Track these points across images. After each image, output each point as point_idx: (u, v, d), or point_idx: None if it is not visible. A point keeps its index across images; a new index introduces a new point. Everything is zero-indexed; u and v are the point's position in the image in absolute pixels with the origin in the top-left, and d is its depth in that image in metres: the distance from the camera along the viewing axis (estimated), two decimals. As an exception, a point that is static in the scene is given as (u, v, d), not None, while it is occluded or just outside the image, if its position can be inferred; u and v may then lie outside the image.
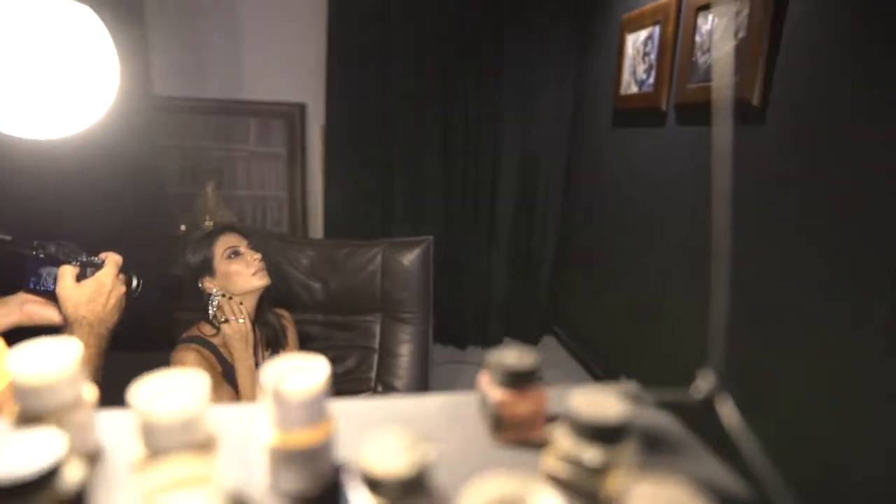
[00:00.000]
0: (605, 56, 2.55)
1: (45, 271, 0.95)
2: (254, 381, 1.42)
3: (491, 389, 0.39)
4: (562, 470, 0.33)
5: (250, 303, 1.50)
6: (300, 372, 0.33)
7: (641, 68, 2.28)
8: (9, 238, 0.82)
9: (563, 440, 0.33)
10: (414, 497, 0.26)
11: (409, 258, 1.91)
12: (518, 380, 0.38)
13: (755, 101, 1.61)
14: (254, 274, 1.47)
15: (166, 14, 2.60)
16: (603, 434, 0.31)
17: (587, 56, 2.72)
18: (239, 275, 1.45)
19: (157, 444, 0.30)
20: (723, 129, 0.33)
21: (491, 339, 2.86)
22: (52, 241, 0.97)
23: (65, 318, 0.90)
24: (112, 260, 0.97)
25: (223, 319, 1.42)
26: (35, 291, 0.95)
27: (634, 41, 2.33)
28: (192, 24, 2.66)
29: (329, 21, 2.56)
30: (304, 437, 0.32)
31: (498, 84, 2.64)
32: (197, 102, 2.75)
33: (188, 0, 2.64)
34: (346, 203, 2.73)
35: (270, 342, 1.59)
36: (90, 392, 0.36)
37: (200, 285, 1.47)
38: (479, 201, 2.73)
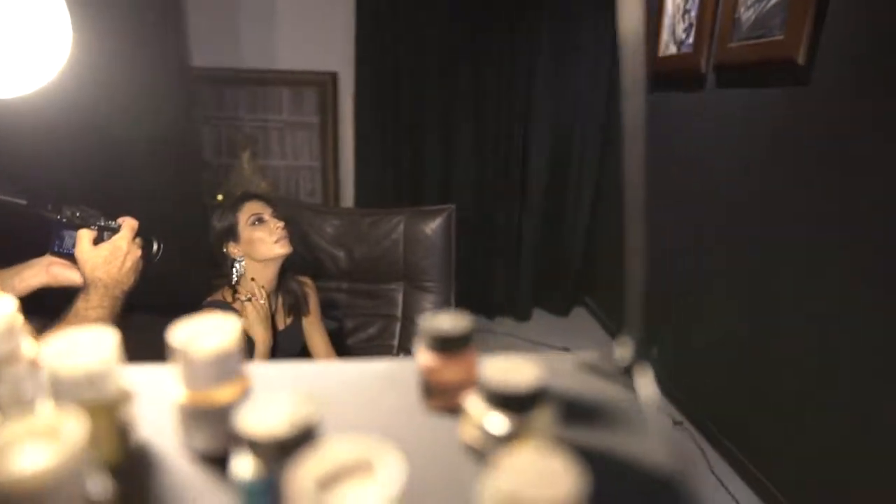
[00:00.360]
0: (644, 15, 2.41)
1: (67, 235, 0.99)
2: (266, 353, 1.46)
3: (420, 355, 0.38)
4: (474, 438, 0.31)
5: (272, 270, 1.53)
6: (214, 332, 0.33)
7: (681, 27, 2.14)
8: (24, 202, 0.85)
9: (474, 408, 0.31)
10: (293, 458, 0.25)
11: (432, 227, 1.89)
12: (447, 345, 0.36)
13: (800, 59, 1.49)
14: (276, 241, 1.49)
15: (199, -14, 2.62)
16: (510, 402, 0.30)
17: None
18: (261, 241, 1.48)
19: (65, 397, 0.30)
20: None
21: (520, 310, 2.84)
22: (74, 205, 1.00)
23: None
24: (128, 224, 1.00)
25: (245, 298, 1.46)
26: (59, 254, 0.99)
27: (675, -2, 2.18)
28: (223, -4, 2.68)
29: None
30: (210, 396, 0.32)
31: (532, 49, 2.54)
32: (232, 73, 2.79)
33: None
34: (377, 171, 2.74)
35: (292, 309, 1.63)
36: (30, 348, 0.37)
37: (225, 250, 1.51)
38: (511, 168, 2.67)
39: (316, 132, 2.93)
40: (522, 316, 2.85)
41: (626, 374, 0.31)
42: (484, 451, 0.31)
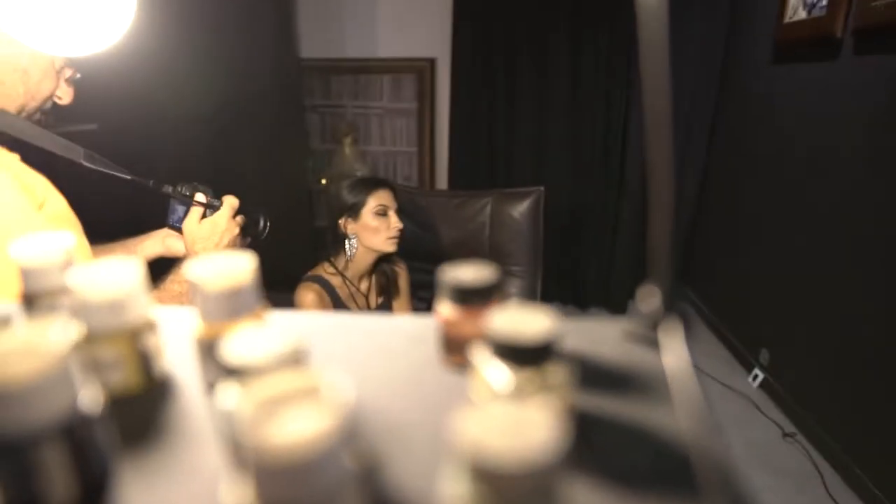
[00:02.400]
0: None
1: (180, 209, 1.08)
2: None
3: (440, 307, 0.35)
4: (480, 394, 0.29)
5: (372, 256, 1.58)
6: (230, 268, 0.33)
7: (815, -13, 1.87)
8: (128, 176, 0.94)
9: (481, 361, 0.29)
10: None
11: (519, 210, 1.85)
12: (467, 297, 0.34)
13: (838, 32, 1.23)
14: (388, 238, 1.53)
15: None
16: (516, 354, 0.26)
17: (745, -21, 2.32)
18: (376, 232, 1.52)
19: (90, 322, 0.32)
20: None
21: (615, 301, 2.70)
22: (183, 182, 1.09)
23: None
24: (228, 202, 1.06)
25: (350, 236, 1.53)
26: (172, 227, 1.09)
27: (808, -45, 1.92)
28: (330, -13, 2.80)
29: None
30: (224, 329, 0.32)
31: (632, 26, 2.38)
32: (337, 63, 2.92)
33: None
34: (472, 156, 2.73)
35: (383, 290, 1.67)
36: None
37: (341, 222, 1.56)
38: (609, 150, 2.54)
39: (414, 118, 2.98)
40: (618, 308, 2.70)
41: (652, 329, 0.27)
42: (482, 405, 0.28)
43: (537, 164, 2.64)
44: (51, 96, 0.81)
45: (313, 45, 2.83)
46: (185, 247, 1.03)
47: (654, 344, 0.31)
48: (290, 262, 1.76)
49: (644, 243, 2.26)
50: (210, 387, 0.34)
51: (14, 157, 0.72)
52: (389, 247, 1.53)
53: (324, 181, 3.07)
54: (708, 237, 2.58)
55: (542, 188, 1.83)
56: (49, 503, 0.24)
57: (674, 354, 0.26)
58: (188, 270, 0.33)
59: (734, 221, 2.40)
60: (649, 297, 0.29)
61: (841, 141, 1.72)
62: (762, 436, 1.93)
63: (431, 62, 2.83)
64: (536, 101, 2.57)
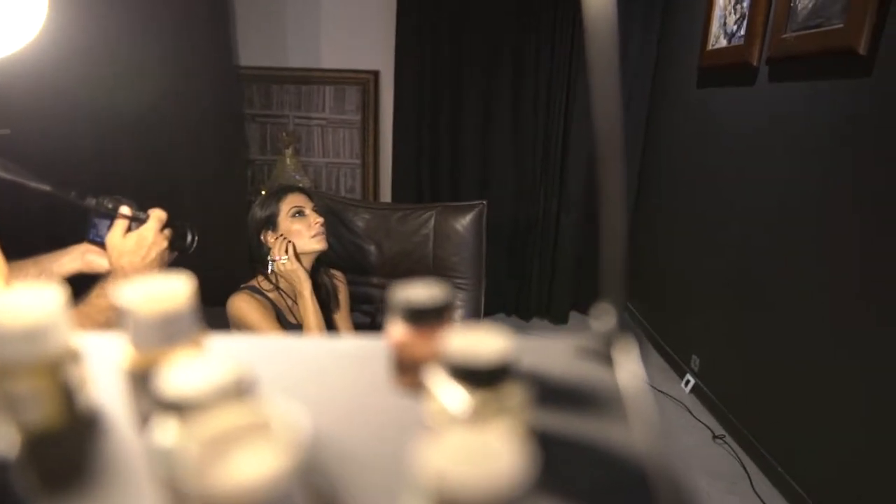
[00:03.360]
0: (692, 8, 2.30)
1: (101, 223, 1.01)
2: (319, 324, 1.46)
3: (391, 328, 0.34)
4: (435, 417, 0.28)
5: (307, 263, 1.54)
6: (165, 292, 0.31)
7: (732, 19, 2.02)
8: (47, 188, 0.87)
9: (435, 383, 0.28)
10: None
11: (462, 223, 1.86)
12: (419, 317, 0.33)
13: (862, 49, 1.37)
14: (313, 236, 1.50)
15: (247, -12, 2.69)
16: (472, 376, 0.26)
17: (672, 10, 2.47)
18: (299, 234, 1.49)
19: (5, 352, 0.29)
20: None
21: (557, 312, 2.77)
22: (105, 195, 1.02)
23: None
24: (155, 215, 1.00)
25: (271, 259, 1.47)
26: (93, 241, 1.02)
27: (727, -12, 2.07)
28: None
29: (400, -14, 2.53)
30: (159, 357, 0.30)
31: (573, 42, 2.48)
32: (277, 72, 2.85)
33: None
34: (415, 169, 2.73)
35: (323, 303, 1.63)
36: None
37: (262, 238, 1.52)
38: (550, 165, 2.61)
39: (357, 130, 2.96)
40: (559, 318, 2.77)
41: (607, 347, 0.27)
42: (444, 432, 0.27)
43: (481, 178, 2.68)
44: None
45: (253, 52, 2.75)
46: (110, 262, 0.97)
47: (606, 360, 0.31)
48: (226, 275, 1.69)
49: (583, 257, 2.33)
50: (142, 422, 0.31)
51: None
52: (318, 244, 1.50)
53: (263, 192, 2.98)
54: (641, 250, 2.70)
55: (484, 202, 1.86)
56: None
57: (628, 372, 0.26)
58: (116, 292, 0.30)
59: (665, 234, 2.53)
60: (604, 316, 0.29)
61: (762, 158, 1.85)
62: (694, 439, 2.03)
63: (375, 74, 2.82)
64: (479, 115, 2.61)
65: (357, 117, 2.94)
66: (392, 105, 2.74)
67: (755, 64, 1.87)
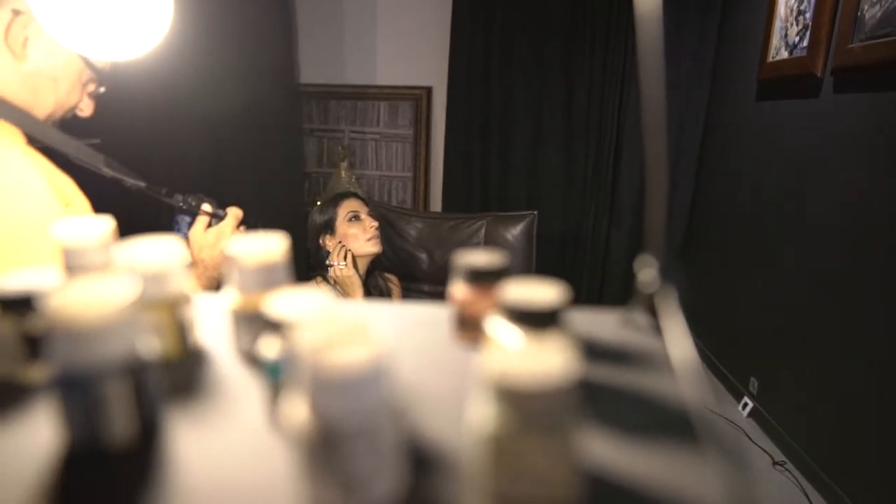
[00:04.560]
0: (749, 20, 2.27)
1: (182, 219, 1.11)
2: None
3: (454, 288, 0.39)
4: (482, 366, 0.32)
5: (362, 266, 1.61)
6: (265, 246, 0.36)
7: (794, 30, 1.99)
8: (143, 185, 0.97)
9: (493, 326, 0.32)
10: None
11: (513, 233, 1.89)
12: (479, 278, 0.37)
13: (819, 71, 1.32)
14: (368, 239, 1.58)
15: (312, 8, 2.86)
16: (526, 318, 0.30)
17: (728, 22, 2.44)
18: (355, 238, 1.57)
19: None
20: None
21: (604, 328, 2.73)
22: (190, 193, 1.12)
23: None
24: (233, 213, 1.09)
25: (329, 264, 1.55)
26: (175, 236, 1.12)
27: (787, 0, 2.04)
28: (332, 16, 2.90)
29: (454, 5, 2.62)
30: (259, 301, 0.35)
31: (626, 58, 2.49)
32: (335, 88, 3.00)
33: (331, 2, 2.88)
34: (466, 182, 2.79)
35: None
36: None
37: (321, 242, 1.61)
38: (601, 178, 2.61)
39: (409, 144, 3.05)
40: (607, 334, 2.73)
41: (650, 300, 0.30)
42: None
43: (530, 192, 2.71)
44: (74, 107, 0.85)
45: (314, 71, 2.91)
46: (191, 255, 1.06)
47: (650, 329, 0.34)
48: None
49: (632, 272, 2.31)
50: (244, 352, 0.37)
51: (44, 159, 0.76)
52: (373, 247, 1.57)
53: (318, 203, 3.11)
54: (696, 269, 2.64)
55: (535, 213, 1.89)
56: (109, 438, 0.27)
57: (670, 322, 0.29)
58: (229, 249, 0.36)
59: (721, 251, 2.47)
60: (646, 267, 0.32)
61: (825, 172, 1.80)
62: (753, 465, 1.95)
63: (428, 90, 2.91)
64: (530, 129, 2.65)
65: (409, 132, 3.04)
66: (443, 119, 2.81)
67: (819, 75, 1.82)
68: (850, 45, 1.67)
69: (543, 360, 0.22)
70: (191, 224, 1.07)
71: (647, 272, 0.32)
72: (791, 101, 1.99)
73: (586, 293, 2.73)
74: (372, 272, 1.67)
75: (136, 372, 0.27)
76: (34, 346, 0.33)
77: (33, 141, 0.78)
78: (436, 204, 3.03)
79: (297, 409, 0.22)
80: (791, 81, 1.97)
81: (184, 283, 0.37)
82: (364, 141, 3.13)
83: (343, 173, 3.01)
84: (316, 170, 3.16)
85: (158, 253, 0.36)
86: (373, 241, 1.59)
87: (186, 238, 1.08)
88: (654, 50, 0.26)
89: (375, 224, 1.60)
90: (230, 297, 0.37)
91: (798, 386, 1.91)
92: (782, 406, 2.00)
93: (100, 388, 0.26)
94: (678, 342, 0.27)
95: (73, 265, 0.41)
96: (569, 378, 0.22)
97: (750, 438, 2.06)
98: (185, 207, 1.07)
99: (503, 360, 0.22)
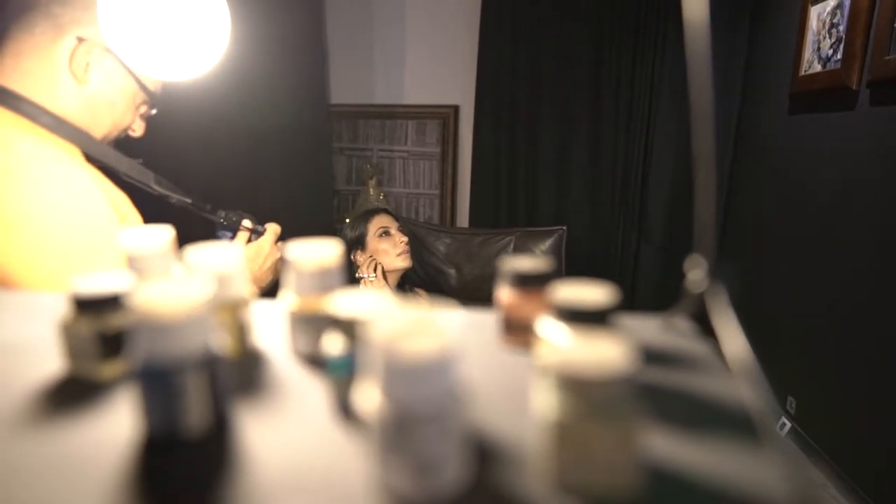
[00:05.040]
0: (781, 34, 2.25)
1: (223, 235, 1.15)
2: None
3: (500, 292, 0.40)
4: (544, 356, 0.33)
5: (392, 280, 1.64)
6: (320, 251, 0.38)
7: (827, 43, 1.96)
8: (189, 201, 1.02)
9: (544, 327, 0.33)
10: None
11: (542, 248, 1.90)
12: (525, 282, 0.38)
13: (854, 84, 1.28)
14: (398, 254, 1.61)
15: (343, 31, 2.95)
16: (578, 317, 0.31)
17: (759, 35, 2.43)
18: (386, 253, 1.60)
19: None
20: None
21: (635, 345, 2.68)
22: (230, 209, 1.17)
23: None
24: (272, 229, 1.13)
25: (359, 277, 1.58)
26: None
27: (820, 13, 2.02)
28: (362, 39, 2.99)
29: (482, 26, 2.67)
30: (315, 303, 0.37)
31: (654, 73, 2.49)
32: (364, 108, 3.07)
33: (360, 21, 2.96)
34: (493, 199, 2.80)
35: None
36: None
37: (352, 258, 1.64)
38: (629, 194, 2.59)
39: (436, 161, 3.09)
40: (638, 352, 2.69)
41: (700, 300, 0.30)
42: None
43: (558, 207, 2.70)
44: (128, 128, 0.90)
45: (344, 91, 2.98)
46: None
47: (693, 333, 0.34)
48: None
49: (663, 288, 2.27)
50: (301, 352, 0.38)
51: (101, 175, 0.80)
52: (403, 261, 1.60)
53: (347, 220, 3.16)
54: (729, 285, 2.59)
55: (564, 228, 1.89)
56: (186, 427, 0.28)
57: (721, 319, 0.30)
58: (287, 252, 0.38)
59: (755, 267, 2.42)
60: (695, 267, 0.33)
61: (862, 186, 1.76)
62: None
63: (455, 109, 2.96)
64: (557, 145, 2.65)
65: (437, 149, 3.07)
66: (470, 137, 2.85)
67: (854, 88, 1.79)
68: (887, 57, 1.64)
69: (603, 351, 0.23)
70: (232, 239, 1.11)
71: (696, 272, 0.32)
72: (825, 115, 1.96)
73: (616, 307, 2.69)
74: (402, 286, 1.69)
75: (211, 365, 0.29)
76: (110, 344, 0.35)
77: (90, 159, 0.82)
78: (462, 221, 3.05)
79: (370, 398, 0.24)
80: (825, 95, 1.95)
81: (243, 286, 0.39)
82: (392, 159, 3.18)
83: (371, 191, 3.06)
84: (345, 187, 3.22)
85: (221, 258, 0.38)
86: (403, 256, 1.62)
87: None
88: (701, 50, 0.27)
89: (405, 239, 1.62)
90: (288, 300, 0.38)
91: (839, 405, 1.84)
92: (822, 427, 1.94)
93: (179, 379, 0.28)
94: (732, 341, 0.27)
95: (137, 271, 0.44)
96: (629, 368, 0.23)
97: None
98: (226, 223, 1.11)
99: (566, 350, 0.23)
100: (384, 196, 3.11)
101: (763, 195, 2.35)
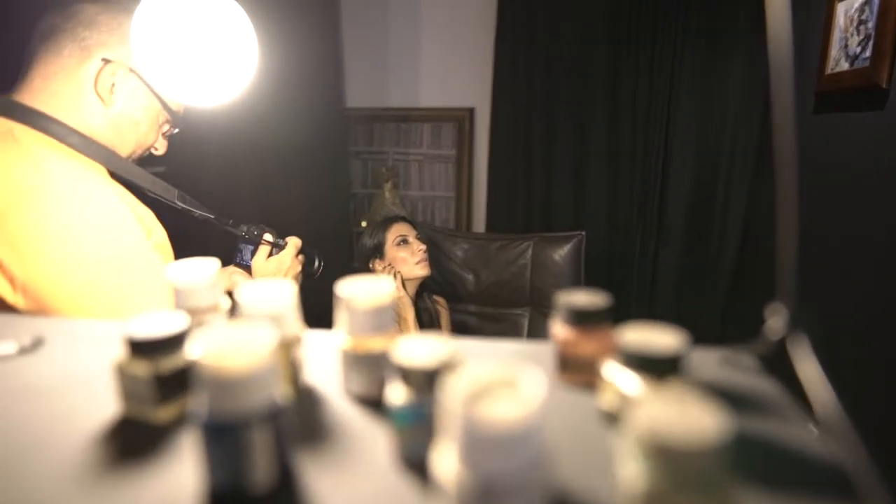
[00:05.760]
0: (806, 31, 2.20)
1: (245, 248, 1.15)
2: None
3: (556, 329, 0.39)
4: (611, 403, 0.32)
5: (411, 289, 1.63)
6: (372, 289, 0.37)
7: (855, 41, 1.92)
8: (212, 216, 1.02)
9: (611, 372, 0.32)
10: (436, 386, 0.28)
11: (560, 253, 1.88)
12: (583, 319, 0.37)
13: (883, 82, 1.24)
14: (417, 263, 1.60)
15: (358, 36, 2.95)
16: (648, 364, 0.30)
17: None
18: (404, 261, 1.60)
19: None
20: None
21: (655, 349, 2.65)
22: (252, 224, 1.17)
23: None
24: (293, 242, 1.14)
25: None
26: (238, 265, 1.16)
27: (847, 9, 1.97)
28: (377, 43, 2.98)
29: (497, 27, 2.65)
30: (369, 343, 0.36)
31: (674, 71, 2.45)
32: (380, 112, 3.07)
33: (376, 27, 2.96)
34: (509, 202, 2.78)
35: (425, 325, 1.71)
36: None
37: (371, 266, 1.64)
38: (648, 197, 2.56)
39: (452, 164, 3.08)
40: (658, 355, 2.65)
41: (780, 348, 0.29)
42: (621, 416, 0.31)
43: (575, 211, 2.68)
44: (151, 146, 0.90)
45: (359, 95, 2.98)
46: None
47: (756, 370, 0.33)
48: (332, 301, 1.83)
49: (683, 293, 2.23)
50: (354, 398, 0.37)
51: (128, 193, 0.81)
52: (422, 270, 1.59)
53: (363, 223, 3.17)
54: (752, 287, 2.55)
55: (583, 233, 1.87)
56: (250, 483, 0.28)
57: (805, 368, 0.28)
58: (339, 290, 0.37)
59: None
60: (777, 315, 0.31)
61: (891, 188, 1.71)
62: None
63: (470, 111, 2.94)
64: (574, 148, 2.63)
65: (452, 152, 3.06)
66: (486, 139, 2.83)
67: (884, 86, 1.75)
68: (918, 55, 1.60)
69: (695, 414, 0.22)
70: (253, 252, 1.11)
71: (777, 319, 0.31)
72: (853, 114, 1.92)
73: (636, 313, 2.66)
74: (420, 294, 1.69)
75: (276, 417, 0.28)
76: (166, 387, 0.35)
77: (115, 176, 0.83)
78: (479, 223, 3.03)
79: (447, 462, 0.23)
80: (853, 93, 1.90)
81: (296, 324, 0.39)
82: (408, 162, 3.17)
83: (387, 194, 3.06)
84: (361, 190, 3.22)
85: (275, 295, 0.38)
86: (422, 264, 1.61)
87: (248, 266, 1.12)
88: (786, 70, 0.26)
89: (423, 247, 1.61)
90: (340, 338, 0.38)
91: (866, 410, 1.80)
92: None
93: (245, 434, 0.27)
94: (818, 390, 0.26)
95: (183, 305, 0.44)
96: (722, 433, 0.22)
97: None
98: (247, 237, 1.11)
99: (653, 414, 0.22)
100: (400, 200, 3.11)
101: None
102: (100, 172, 0.81)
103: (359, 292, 0.37)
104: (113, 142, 0.83)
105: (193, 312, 0.43)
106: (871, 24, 1.84)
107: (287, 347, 0.37)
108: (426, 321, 1.71)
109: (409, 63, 2.97)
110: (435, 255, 2.03)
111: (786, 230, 0.29)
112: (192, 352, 0.27)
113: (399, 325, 1.61)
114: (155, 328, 0.36)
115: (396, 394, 0.30)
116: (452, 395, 0.23)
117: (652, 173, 2.56)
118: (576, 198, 2.66)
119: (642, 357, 0.30)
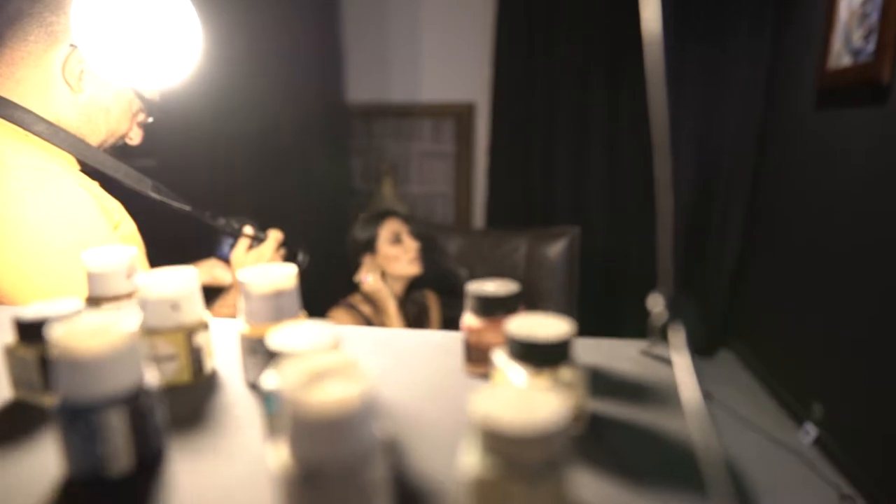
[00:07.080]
0: (808, 24, 2.16)
1: (225, 242, 1.15)
2: None
3: (465, 318, 0.37)
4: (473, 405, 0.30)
5: (401, 285, 1.62)
6: (276, 275, 0.36)
7: (857, 34, 1.87)
8: (188, 208, 1.01)
9: (500, 362, 0.30)
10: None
11: (554, 249, 1.86)
12: (489, 308, 0.36)
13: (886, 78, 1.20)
14: (409, 261, 1.58)
15: (358, 30, 2.94)
16: (532, 353, 0.28)
17: (784, 26, 2.33)
18: (396, 259, 1.58)
19: (153, 318, 0.36)
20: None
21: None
22: (232, 217, 1.16)
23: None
24: (273, 236, 1.12)
25: (357, 280, 1.56)
26: (219, 258, 1.16)
27: (850, 3, 1.92)
28: (377, 38, 2.98)
29: (497, 24, 2.63)
30: (266, 329, 0.35)
31: (675, 64, 2.41)
32: (381, 107, 3.06)
33: (376, 21, 2.95)
34: (509, 198, 2.76)
35: (414, 320, 1.70)
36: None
37: (362, 261, 1.63)
38: (647, 196, 2.53)
39: (451, 159, 3.07)
40: (657, 354, 2.62)
41: (660, 335, 0.28)
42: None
43: (575, 207, 2.65)
44: (124, 136, 0.90)
45: (359, 89, 2.98)
46: (232, 276, 1.09)
47: (668, 361, 0.32)
48: (327, 291, 1.82)
49: (684, 290, 2.20)
50: (251, 382, 0.37)
51: (95, 184, 0.80)
52: (413, 268, 1.57)
53: (361, 216, 3.16)
54: (754, 285, 2.51)
55: (577, 228, 1.85)
56: (108, 468, 0.27)
57: (677, 361, 0.27)
58: (240, 279, 0.36)
59: (782, 269, 2.33)
60: (656, 304, 0.30)
61: (893, 185, 1.67)
62: (817, 499, 1.80)
63: (470, 106, 2.92)
64: (574, 144, 2.60)
65: (452, 148, 3.05)
66: (485, 135, 2.81)
67: (887, 81, 1.70)
68: (921, 49, 1.56)
69: (536, 404, 0.21)
70: (233, 246, 1.10)
71: (658, 307, 0.30)
72: (855, 110, 1.87)
73: (633, 310, 2.63)
74: (410, 289, 1.67)
75: (138, 402, 0.27)
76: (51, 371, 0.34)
77: (86, 166, 0.82)
78: (478, 219, 3.02)
79: (280, 449, 0.22)
80: (855, 89, 1.86)
81: (200, 309, 0.38)
82: (407, 157, 3.16)
83: (386, 189, 3.05)
84: (360, 186, 3.22)
85: (176, 281, 0.37)
86: (414, 263, 1.59)
87: (228, 259, 1.11)
88: (658, 71, 0.24)
89: (416, 245, 1.60)
90: (240, 325, 0.37)
91: (867, 411, 1.76)
92: (850, 434, 1.86)
93: (100, 419, 0.26)
94: (686, 380, 0.25)
95: (97, 293, 0.43)
96: (562, 424, 0.20)
97: (813, 469, 1.92)
98: (227, 230, 1.11)
99: (491, 402, 0.21)
100: (399, 194, 3.10)
101: (790, 192, 2.27)
102: (68, 162, 0.81)
103: (258, 277, 0.36)
104: (82, 130, 0.82)
105: (109, 299, 0.43)
106: (874, 18, 1.79)
107: (187, 333, 0.37)
108: (414, 314, 1.70)
109: (408, 59, 2.96)
110: (429, 251, 2.02)
111: (664, 219, 0.27)
112: (49, 335, 0.27)
113: (381, 317, 1.60)
114: (45, 311, 0.35)
115: (270, 379, 0.29)
116: (283, 381, 0.22)
117: (651, 168, 2.52)
118: (575, 193, 2.64)
119: (525, 345, 0.28)
